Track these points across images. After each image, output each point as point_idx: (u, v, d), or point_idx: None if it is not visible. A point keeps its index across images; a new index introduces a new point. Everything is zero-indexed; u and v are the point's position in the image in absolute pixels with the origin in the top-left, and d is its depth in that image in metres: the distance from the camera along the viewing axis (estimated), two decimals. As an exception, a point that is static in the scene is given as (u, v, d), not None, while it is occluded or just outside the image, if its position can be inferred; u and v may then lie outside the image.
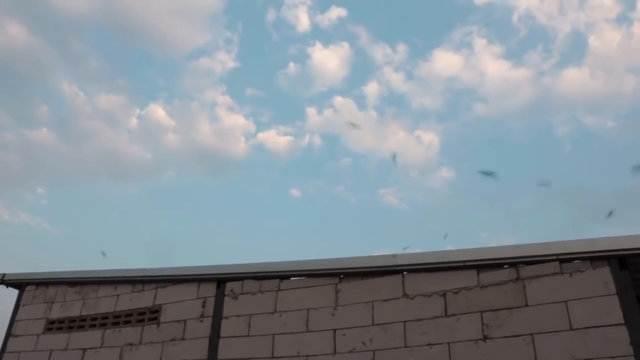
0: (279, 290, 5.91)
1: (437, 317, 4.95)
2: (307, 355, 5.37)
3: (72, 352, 6.90)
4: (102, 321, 6.99)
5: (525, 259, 4.79)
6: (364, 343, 5.15)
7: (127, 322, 6.78)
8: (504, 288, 4.79)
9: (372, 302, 5.31)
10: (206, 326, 6.13)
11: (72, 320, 7.25)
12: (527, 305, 4.62)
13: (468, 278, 4.98)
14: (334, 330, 5.36)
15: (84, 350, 6.81)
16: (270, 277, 6.02)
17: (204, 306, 6.29)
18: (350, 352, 5.18)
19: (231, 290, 6.22)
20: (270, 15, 33.43)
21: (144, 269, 7.09)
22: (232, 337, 5.90)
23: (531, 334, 4.48)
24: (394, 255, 5.41)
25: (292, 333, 5.57)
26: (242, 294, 6.13)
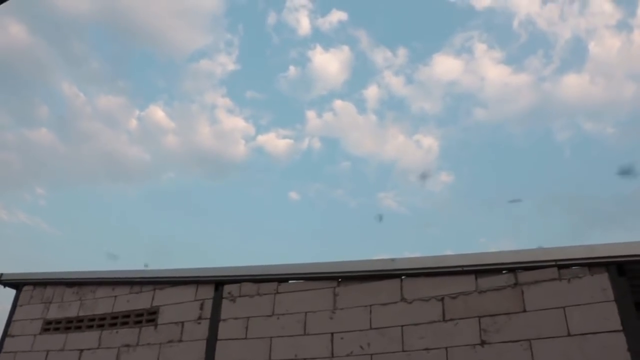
0: (277, 293, 5.90)
1: (435, 321, 4.94)
2: (305, 359, 5.36)
3: (69, 352, 6.88)
4: (99, 322, 6.98)
5: (524, 264, 4.79)
6: (361, 347, 5.14)
7: (124, 324, 6.77)
8: (502, 293, 4.79)
9: (370, 306, 5.31)
10: (204, 328, 6.12)
11: (70, 320, 7.24)
12: (525, 311, 4.62)
13: (466, 283, 4.97)
14: (332, 334, 5.36)
15: (81, 351, 6.80)
16: (268, 280, 6.02)
17: (201, 308, 6.28)
18: (347, 355, 5.17)
19: (229, 293, 6.21)
20: (271, 18, 33.44)
21: (142, 270, 7.09)
22: (230, 339, 5.89)
23: (529, 340, 4.47)
24: (392, 260, 5.41)
25: (289, 336, 5.56)
26: (240, 296, 6.12)
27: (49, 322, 7.40)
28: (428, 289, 5.12)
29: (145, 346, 6.39)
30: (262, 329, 5.76)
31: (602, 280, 4.42)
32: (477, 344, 4.66)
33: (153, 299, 6.76)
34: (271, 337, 5.65)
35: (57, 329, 7.25)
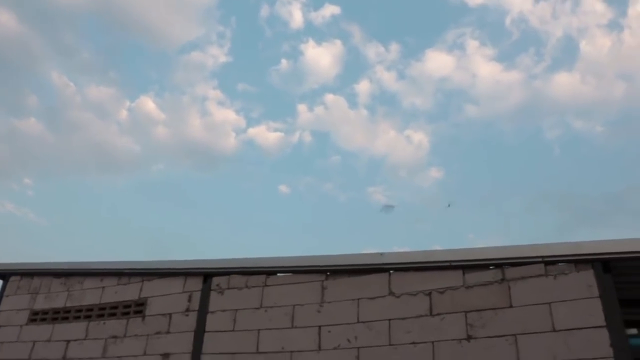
0: (266, 285, 5.91)
1: (422, 316, 4.98)
2: (292, 351, 5.38)
3: (55, 343, 6.86)
4: (86, 313, 6.95)
5: (511, 260, 4.84)
6: (348, 340, 5.17)
7: (112, 315, 6.75)
8: (489, 289, 4.83)
9: (358, 299, 5.33)
10: (191, 320, 6.12)
11: (57, 311, 7.21)
12: (511, 306, 4.66)
13: (454, 278, 5.01)
14: (319, 327, 5.38)
15: (68, 341, 6.78)
16: (256, 273, 6.03)
17: (189, 300, 6.28)
18: (335, 349, 5.19)
19: (217, 285, 6.21)
20: (264, 11, 33.40)
21: (130, 262, 7.06)
22: (218, 331, 5.90)
23: (514, 335, 4.51)
24: (381, 254, 5.44)
25: (277, 329, 5.58)
26: (228, 288, 6.13)
27: (35, 313, 7.36)
28: (416, 283, 5.15)
29: (133, 337, 6.38)
30: (250, 322, 5.77)
31: (588, 276, 4.47)
32: (464, 339, 4.70)
33: (141, 290, 6.74)
34: (259, 330, 5.66)
35: (44, 320, 7.22)
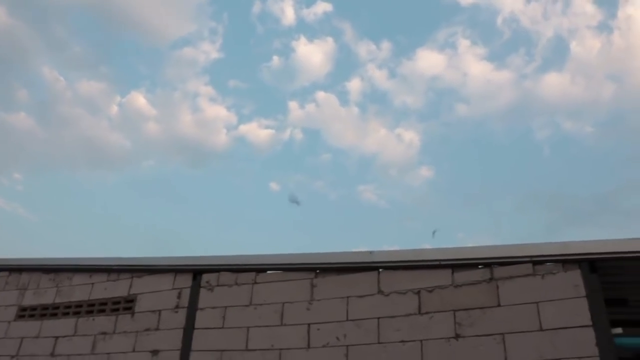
0: (255, 283, 5.91)
1: (411, 314, 5.00)
2: (281, 349, 5.39)
3: (44, 339, 6.83)
4: (75, 309, 6.93)
5: (500, 259, 4.87)
6: (337, 338, 5.19)
7: (101, 311, 6.73)
8: (478, 288, 4.86)
9: (347, 297, 5.35)
10: (181, 317, 6.11)
11: (45, 307, 7.18)
12: (499, 305, 4.69)
13: (443, 277, 5.04)
14: (309, 325, 5.39)
15: (56, 338, 6.75)
16: (246, 270, 6.03)
17: (179, 297, 6.28)
18: (324, 346, 5.21)
19: (207, 282, 6.21)
20: (256, 8, 33.31)
21: (120, 258, 7.04)
22: (207, 328, 5.90)
23: (502, 334, 4.55)
24: (370, 252, 5.46)
25: (266, 326, 5.59)
26: (218, 285, 6.13)
27: (24, 309, 7.33)
28: (405, 282, 5.17)
29: (122, 334, 6.37)
30: (239, 319, 5.78)
31: (575, 276, 4.52)
32: (452, 337, 4.73)
33: (130, 287, 6.73)
34: (248, 327, 5.67)
35: (32, 316, 7.19)
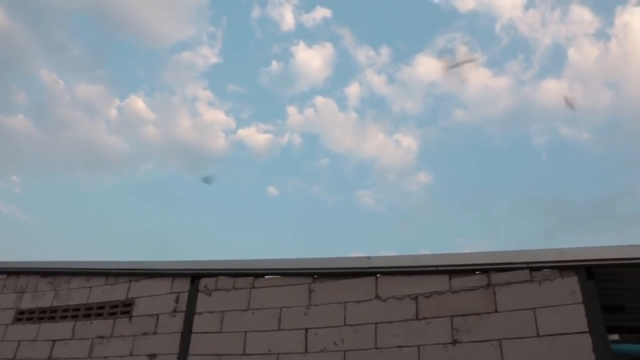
0: (253, 287, 5.92)
1: (408, 319, 5.01)
2: (279, 354, 5.39)
3: (41, 343, 6.82)
4: (73, 313, 6.93)
5: (497, 265, 4.88)
6: (335, 343, 5.19)
7: (99, 315, 6.73)
8: (475, 294, 4.87)
9: (345, 303, 5.36)
10: (179, 321, 6.12)
11: (43, 311, 7.17)
12: (496, 311, 4.70)
13: (440, 282, 5.05)
14: (306, 330, 5.40)
15: (54, 341, 6.75)
16: (244, 275, 6.04)
17: (177, 301, 6.28)
18: (321, 351, 5.22)
19: (205, 286, 6.22)
20: (255, 12, 33.38)
21: (118, 262, 7.05)
22: (204, 333, 5.90)
23: (499, 340, 4.56)
24: (368, 258, 5.47)
25: (264, 331, 5.59)
26: (215, 290, 6.13)
27: (21, 312, 7.32)
28: (402, 287, 5.18)
29: (119, 338, 6.37)
30: (237, 323, 5.78)
31: (572, 283, 4.53)
32: (449, 343, 4.74)
33: (128, 290, 6.73)
34: (246, 332, 5.67)
35: (30, 319, 7.18)
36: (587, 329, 4.27)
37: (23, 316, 7.28)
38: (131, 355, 6.17)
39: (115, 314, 6.63)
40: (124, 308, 6.61)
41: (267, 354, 5.44)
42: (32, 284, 7.55)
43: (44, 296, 7.31)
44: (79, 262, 7.41)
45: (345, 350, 5.12)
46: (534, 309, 4.56)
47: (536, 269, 4.72)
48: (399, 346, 4.91)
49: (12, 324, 7.26)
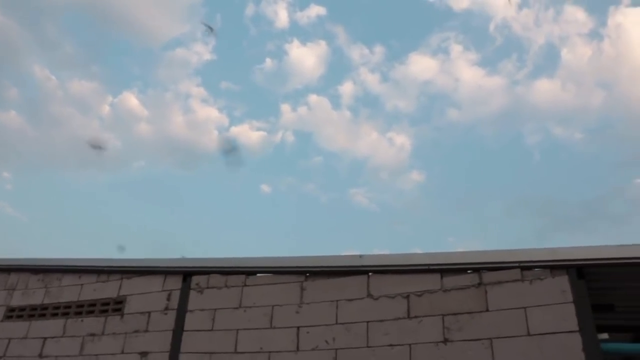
0: (245, 285, 5.91)
1: (399, 318, 5.02)
2: (270, 352, 5.39)
3: (32, 340, 6.79)
4: (64, 310, 6.89)
5: (488, 264, 4.90)
6: (326, 341, 5.20)
7: (90, 312, 6.70)
8: (466, 292, 4.88)
9: (337, 301, 5.36)
10: (170, 319, 6.10)
11: (34, 308, 7.14)
12: (487, 310, 4.72)
13: (432, 281, 5.06)
14: (298, 328, 5.40)
15: (45, 339, 6.71)
16: (236, 273, 6.03)
17: (169, 299, 6.26)
18: (313, 350, 5.22)
19: (197, 284, 6.20)
20: (249, 10, 33.25)
21: (109, 259, 7.03)
22: (196, 330, 5.89)
23: (490, 339, 4.57)
24: (360, 256, 5.47)
25: (256, 329, 5.59)
26: (207, 288, 6.12)
27: (12, 310, 7.28)
28: (394, 286, 5.19)
29: (111, 336, 6.34)
30: (228, 321, 5.77)
31: (562, 282, 4.55)
32: (440, 342, 4.75)
33: (120, 288, 6.71)
34: (237, 330, 5.67)
35: (20, 317, 7.14)
36: (577, 328, 4.29)
37: (13, 313, 7.23)
38: (122, 353, 6.15)
39: (106, 311, 6.60)
40: (116, 306, 6.59)
41: (258, 352, 5.44)
42: (22, 281, 7.51)
43: (35, 293, 7.26)
44: (70, 259, 7.37)
45: (336, 349, 5.12)
46: (525, 308, 4.57)
47: (527, 268, 4.74)
48: (391, 345, 4.92)
49: (2, 321, 7.22)
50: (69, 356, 6.43)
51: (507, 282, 4.76)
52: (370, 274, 5.37)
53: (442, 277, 5.04)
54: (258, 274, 5.95)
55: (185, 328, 5.96)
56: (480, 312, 4.74)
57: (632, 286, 5.10)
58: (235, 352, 5.55)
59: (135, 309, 6.41)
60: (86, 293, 6.90)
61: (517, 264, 4.77)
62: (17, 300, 7.34)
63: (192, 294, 6.16)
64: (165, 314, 6.16)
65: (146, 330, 6.17)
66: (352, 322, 5.19)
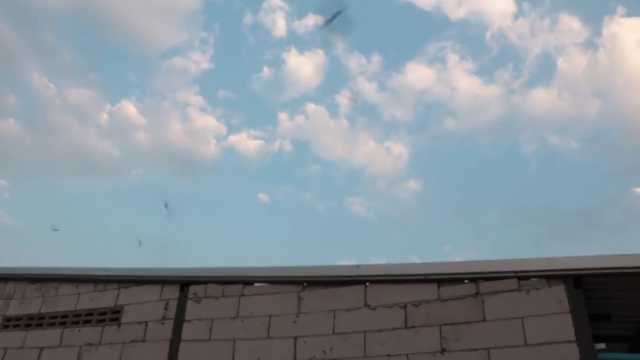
0: (242, 295, 5.91)
1: (397, 328, 5.02)
2: (268, 362, 5.38)
3: (28, 350, 6.75)
4: (61, 320, 6.86)
5: (485, 274, 4.91)
6: (324, 351, 5.19)
7: (87, 322, 6.68)
8: (464, 302, 4.89)
9: (334, 311, 5.36)
10: (167, 329, 6.09)
11: (31, 317, 7.10)
12: (485, 320, 4.73)
13: (429, 291, 5.07)
14: (295, 338, 5.39)
15: (41, 349, 6.68)
16: (233, 282, 6.02)
17: (166, 308, 6.25)
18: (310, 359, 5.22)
19: (194, 294, 6.19)
20: (247, 18, 33.35)
21: (106, 268, 7.00)
22: (194, 340, 5.87)
23: (487, 349, 4.58)
24: (357, 266, 5.48)
25: (253, 339, 5.58)
26: (205, 297, 6.11)
27: (8, 319, 7.24)
28: (391, 295, 5.19)
29: (108, 345, 6.32)
30: (226, 331, 5.76)
31: (559, 292, 4.57)
32: (438, 352, 4.75)
33: (117, 297, 6.69)
34: (235, 340, 5.65)
35: (16, 326, 7.11)
36: (574, 338, 4.31)
37: (10, 323, 7.20)
38: (119, 362, 6.13)
39: (103, 321, 6.58)
40: (113, 315, 6.57)
41: (256, 362, 5.43)
42: (19, 290, 7.48)
43: (32, 303, 7.24)
44: (67, 268, 7.35)
45: (334, 359, 5.11)
46: (522, 318, 4.59)
47: (524, 278, 4.76)
48: (388, 355, 4.92)
49: (-2, 331, 7.19)
50: (66, 366, 6.41)
51: (504, 292, 4.78)
52: (367, 283, 5.37)
53: (439, 287, 5.05)
54: (255, 284, 5.95)
55: (182, 338, 5.94)
56: (478, 322, 4.74)
57: (629, 296, 5.12)
58: (233, 362, 5.53)
59: (133, 319, 6.39)
60: (83, 302, 6.88)
61: (514, 274, 4.79)
62: (13, 310, 7.30)
63: (190, 304, 6.15)
64: (163, 323, 6.15)
65: (143, 340, 6.15)
66: (349, 332, 5.18)
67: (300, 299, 5.60)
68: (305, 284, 5.66)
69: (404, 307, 5.09)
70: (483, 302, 4.81)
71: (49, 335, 6.77)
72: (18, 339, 6.92)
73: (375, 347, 5.00)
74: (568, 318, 4.41)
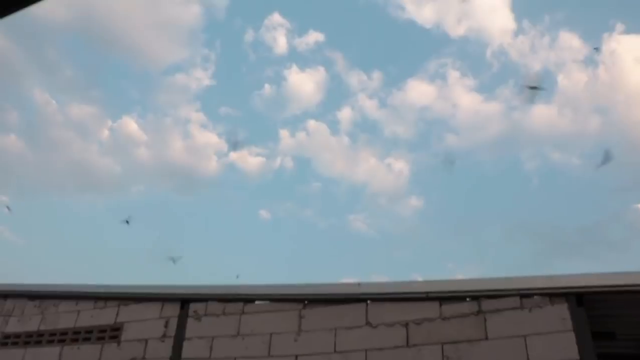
0: (243, 313, 5.87)
1: (398, 346, 4.98)
2: (268, 381, 5.34)
3: (27, 368, 6.71)
4: (60, 337, 6.82)
5: (487, 292, 4.87)
6: (325, 370, 5.15)
7: (86, 339, 6.63)
8: (466, 321, 4.85)
9: (335, 329, 5.32)
10: (168, 346, 6.04)
11: (30, 335, 7.06)
12: (487, 339, 4.68)
13: (430, 309, 5.03)
14: (296, 356, 5.34)
15: (40, 367, 6.64)
16: (234, 300, 5.99)
17: (166, 326, 6.21)
18: (311, 379, 5.17)
19: (195, 311, 6.15)
20: (249, 36, 33.49)
21: (107, 286, 6.98)
22: (194, 358, 5.83)
23: (490, 368, 4.54)
24: (358, 284, 5.45)
25: (254, 357, 5.53)
26: (205, 315, 6.07)
27: (7, 336, 7.20)
28: (393, 314, 5.15)
29: (107, 363, 6.28)
30: (226, 349, 5.72)
31: (562, 310, 4.53)
32: (440, 371, 4.71)
33: (117, 315, 6.65)
34: (235, 358, 5.61)
35: (15, 344, 7.06)
36: (577, 357, 4.26)
37: (9, 340, 7.16)
38: (119, 381, 6.08)
39: (103, 338, 6.53)
40: (113, 333, 6.53)
41: (256, 380, 5.38)
42: (18, 307, 7.44)
43: (31, 320, 7.20)
44: (67, 285, 7.33)
45: (335, 378, 5.07)
46: (524, 336, 4.54)
47: (526, 296, 4.72)
48: (390, 374, 4.87)
49: (-3, 348, 7.14)
50: (65, 384, 6.36)
51: (506, 310, 4.74)
52: (368, 302, 5.33)
53: (441, 305, 5.01)
54: (256, 302, 5.91)
55: (182, 356, 5.90)
56: (480, 340, 4.70)
57: (633, 314, 5.07)
58: (233, 380, 5.49)
59: (133, 336, 6.35)
60: (83, 319, 6.84)
61: (516, 292, 4.75)
62: (12, 327, 7.26)
63: (190, 322, 6.11)
64: (163, 341, 6.11)
65: (143, 358, 6.11)
66: (350, 351, 5.14)
67: (301, 317, 5.56)
68: (306, 302, 5.63)
69: (406, 325, 5.05)
70: (485, 320, 4.77)
71: (48, 353, 6.72)
72: (17, 357, 6.87)
73: (377, 365, 4.96)
74: (571, 336, 4.37)
